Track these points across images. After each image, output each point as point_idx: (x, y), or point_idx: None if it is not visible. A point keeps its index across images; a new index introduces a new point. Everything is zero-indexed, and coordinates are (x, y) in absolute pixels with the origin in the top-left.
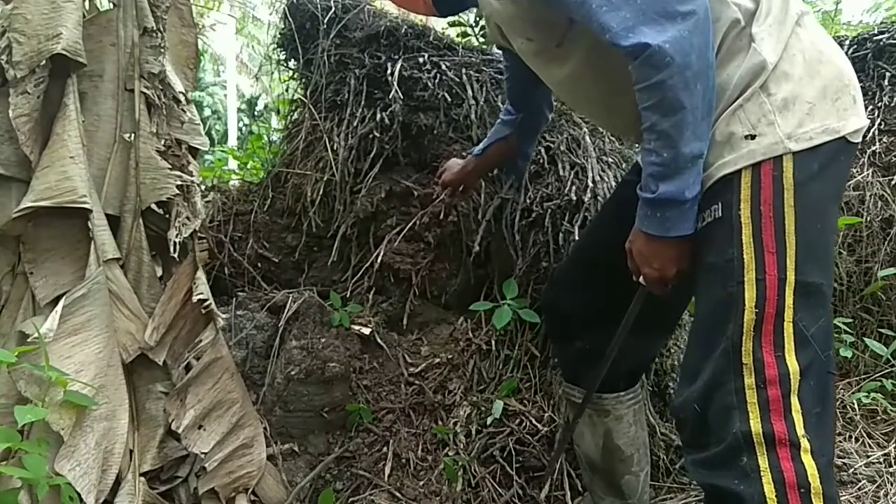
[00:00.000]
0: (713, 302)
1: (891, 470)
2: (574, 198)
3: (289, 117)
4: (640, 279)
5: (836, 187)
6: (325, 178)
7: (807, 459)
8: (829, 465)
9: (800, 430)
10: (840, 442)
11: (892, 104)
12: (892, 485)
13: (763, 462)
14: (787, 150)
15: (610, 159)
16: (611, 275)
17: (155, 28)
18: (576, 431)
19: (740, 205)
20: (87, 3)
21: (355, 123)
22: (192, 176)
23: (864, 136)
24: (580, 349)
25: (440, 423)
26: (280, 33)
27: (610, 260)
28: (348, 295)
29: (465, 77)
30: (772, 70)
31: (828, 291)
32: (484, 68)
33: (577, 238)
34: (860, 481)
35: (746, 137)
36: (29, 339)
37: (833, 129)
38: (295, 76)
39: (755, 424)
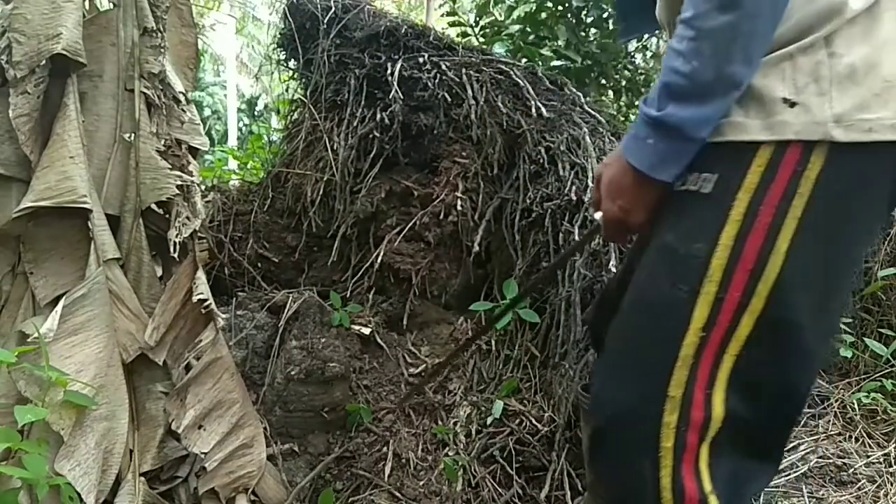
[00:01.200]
0: (655, 295)
1: (891, 470)
2: (574, 198)
3: (289, 117)
4: (598, 215)
5: (873, 212)
6: (325, 178)
7: None
8: None
9: (707, 487)
10: (840, 442)
11: None
12: (892, 485)
13: None
14: (827, 137)
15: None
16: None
17: (155, 28)
18: (585, 437)
19: (739, 192)
20: (87, 3)
21: (355, 123)
22: (192, 176)
23: None
24: None
25: (440, 423)
26: (280, 33)
27: (621, 280)
28: (348, 295)
29: (465, 77)
30: (849, 19)
31: (812, 338)
32: (484, 68)
33: (576, 238)
34: (860, 481)
35: (784, 102)
36: (29, 339)
37: None
38: (295, 76)
39: (665, 476)
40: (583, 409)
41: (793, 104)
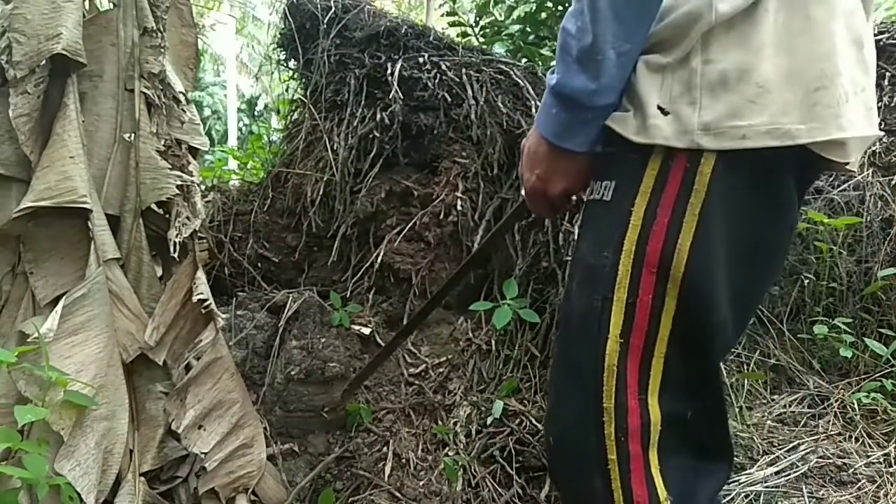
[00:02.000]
0: (577, 307)
1: (891, 470)
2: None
3: (289, 117)
4: (523, 191)
5: (777, 209)
6: (325, 178)
7: None
8: None
9: (661, 493)
10: (840, 442)
11: (892, 104)
12: (892, 485)
13: None
14: (693, 146)
15: None
16: None
17: (155, 28)
18: None
19: (636, 197)
20: (87, 3)
21: (355, 123)
22: (192, 176)
23: None
24: None
25: (440, 423)
26: (280, 33)
27: None
28: (348, 295)
29: (465, 77)
30: (722, 23)
31: (718, 336)
32: (484, 68)
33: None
34: (860, 481)
35: (658, 108)
36: (29, 339)
37: (786, 131)
38: (295, 76)
39: (616, 489)
40: None
41: (666, 112)
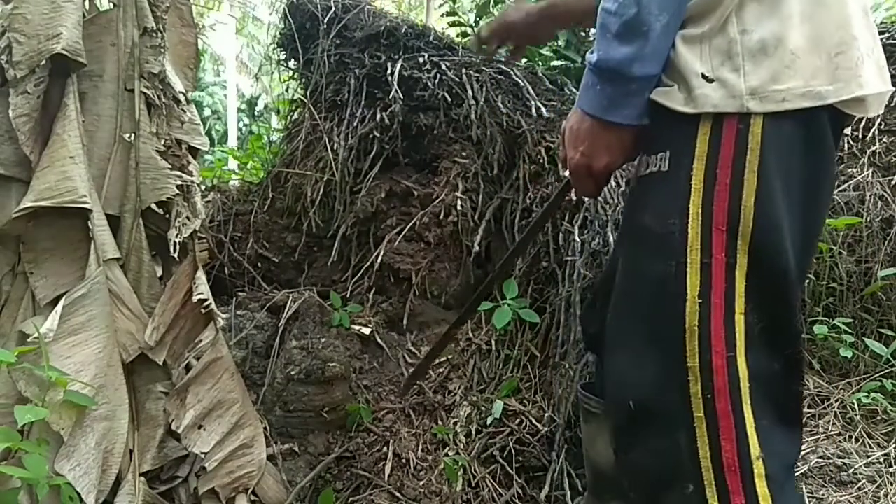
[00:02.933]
0: (648, 276)
1: (891, 470)
2: (574, 198)
3: (289, 117)
4: (567, 172)
5: (818, 164)
6: (325, 178)
7: (760, 489)
8: (783, 482)
9: (755, 451)
10: (840, 442)
11: (892, 104)
12: (892, 485)
13: (711, 495)
14: (743, 109)
15: None
16: None
17: (155, 28)
18: (587, 436)
19: (693, 162)
20: (87, 3)
21: (355, 123)
22: (192, 176)
23: (864, 136)
24: None
25: (440, 423)
26: (280, 33)
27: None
28: (348, 295)
29: (465, 77)
30: None
31: (793, 284)
32: (484, 68)
33: (576, 239)
34: (860, 481)
35: (703, 77)
36: (29, 339)
37: (817, 93)
38: (295, 76)
39: (702, 445)
40: (584, 408)
41: (710, 80)
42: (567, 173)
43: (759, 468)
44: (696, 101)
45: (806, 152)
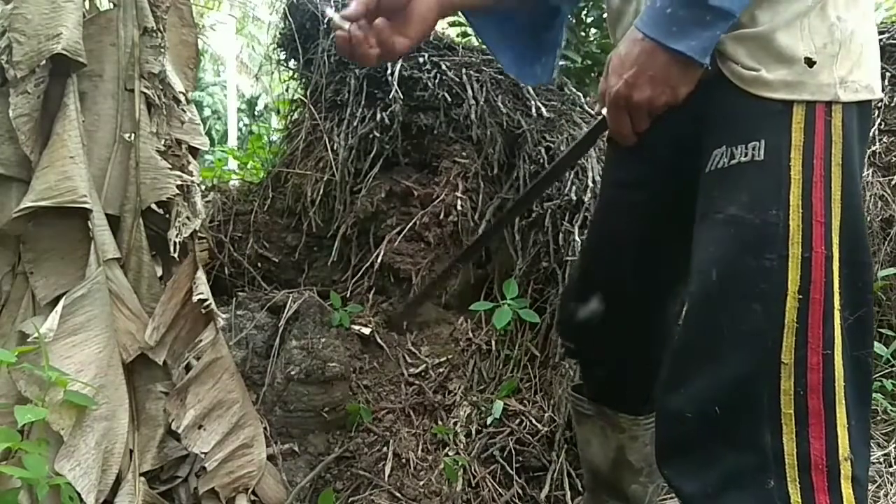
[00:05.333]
0: (736, 270)
1: (891, 470)
2: (574, 198)
3: (289, 117)
4: (604, 109)
5: (864, 155)
6: (325, 178)
7: (846, 491)
8: (865, 486)
9: (843, 452)
10: None
11: (893, 104)
12: (892, 485)
13: (794, 492)
14: (835, 98)
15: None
16: (609, 295)
17: (155, 28)
18: (582, 437)
19: (791, 151)
20: (87, 3)
21: (355, 123)
22: (192, 176)
23: None
24: (603, 373)
25: (440, 423)
26: (280, 33)
27: (599, 280)
28: (348, 295)
29: (465, 77)
30: None
31: (871, 270)
32: (484, 68)
33: (576, 239)
34: None
35: (805, 61)
36: (29, 339)
37: (872, 87)
38: (295, 76)
39: (788, 442)
40: (577, 410)
41: (812, 63)
42: (604, 109)
43: (846, 469)
44: (793, 86)
45: (863, 146)
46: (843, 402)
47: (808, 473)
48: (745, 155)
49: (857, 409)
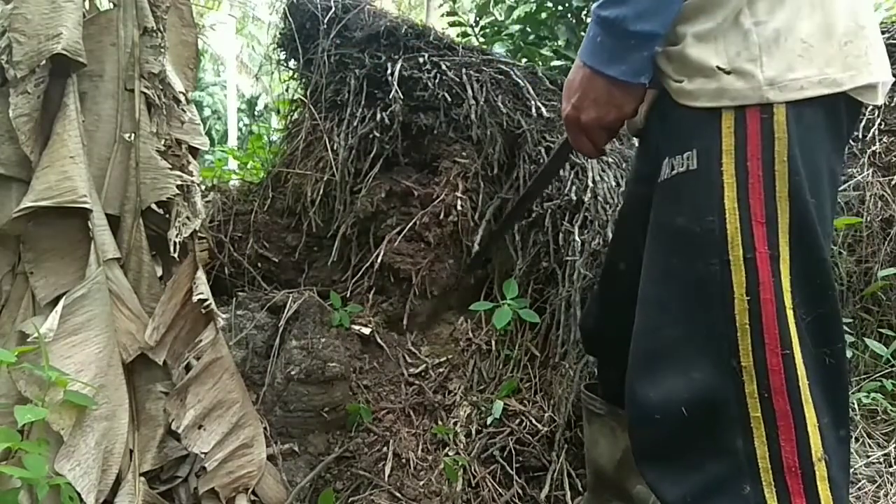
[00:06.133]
0: (689, 278)
1: (891, 470)
2: (574, 198)
3: (289, 117)
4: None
5: (835, 153)
6: (325, 178)
7: (823, 492)
8: (843, 487)
9: (816, 452)
10: None
11: (892, 104)
12: (892, 485)
13: (770, 496)
14: (763, 100)
15: (610, 159)
16: (624, 293)
17: (155, 28)
18: (590, 436)
19: (722, 157)
20: (87, 3)
21: (355, 123)
22: (192, 176)
23: (864, 136)
24: (619, 375)
25: (440, 423)
26: (280, 33)
27: (620, 278)
28: (348, 295)
29: (465, 77)
30: None
31: (831, 273)
32: (484, 68)
33: (576, 239)
34: (860, 481)
35: (719, 69)
36: (29, 339)
37: (833, 80)
38: (295, 76)
39: (760, 445)
40: (588, 409)
41: (726, 71)
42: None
43: (821, 470)
44: (713, 94)
45: (826, 139)
46: (811, 401)
47: (782, 476)
48: (682, 165)
49: (827, 408)
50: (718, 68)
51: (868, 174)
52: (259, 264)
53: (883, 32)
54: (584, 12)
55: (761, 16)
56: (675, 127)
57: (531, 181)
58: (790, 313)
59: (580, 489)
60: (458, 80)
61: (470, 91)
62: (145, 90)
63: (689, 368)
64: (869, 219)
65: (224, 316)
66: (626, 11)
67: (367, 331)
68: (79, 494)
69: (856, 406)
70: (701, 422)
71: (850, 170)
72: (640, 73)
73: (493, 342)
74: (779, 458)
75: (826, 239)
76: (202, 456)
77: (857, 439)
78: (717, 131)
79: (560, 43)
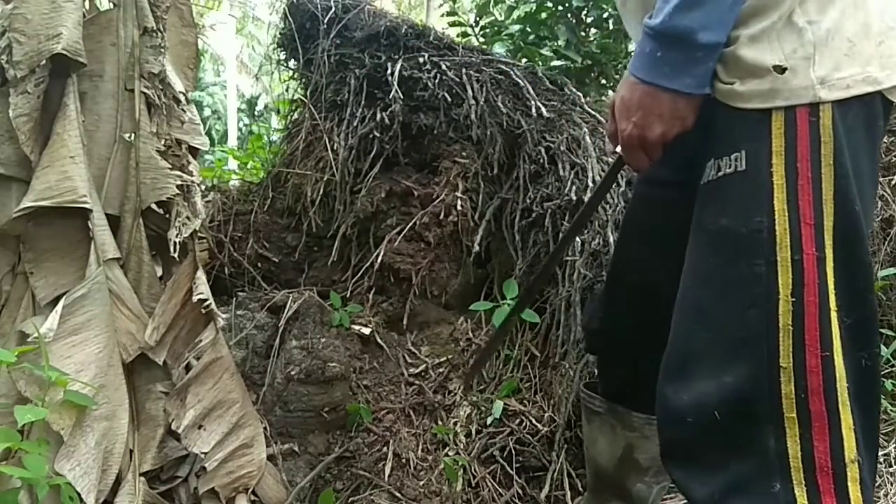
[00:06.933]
0: (727, 278)
1: (891, 470)
2: (574, 198)
3: (289, 117)
4: (618, 147)
5: (874, 151)
6: (325, 178)
7: (853, 493)
8: (871, 490)
9: (850, 454)
10: None
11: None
12: (892, 485)
13: (800, 494)
14: (815, 99)
15: (610, 159)
16: (633, 294)
17: (155, 28)
18: (589, 435)
19: (772, 158)
20: (87, 3)
21: (355, 123)
22: (192, 176)
23: None
24: (623, 374)
25: (440, 423)
26: (280, 33)
27: (630, 279)
28: (348, 295)
29: (465, 77)
30: None
31: (871, 270)
32: (484, 68)
33: (576, 239)
34: None
35: (775, 69)
36: (29, 339)
37: (874, 78)
38: (295, 76)
39: (793, 445)
40: (588, 407)
41: (783, 70)
42: (618, 148)
43: (853, 472)
44: (766, 96)
45: (866, 140)
46: (848, 403)
47: (813, 476)
48: (730, 166)
49: (863, 411)
50: (774, 67)
51: None
52: (259, 264)
53: None
54: (584, 12)
55: (813, 15)
56: (721, 129)
57: (577, 217)
58: (833, 315)
59: (580, 489)
60: (458, 80)
61: (470, 91)
62: (145, 90)
63: (722, 370)
64: None
65: (224, 316)
66: (692, 24)
67: (367, 331)
68: (79, 494)
69: None
70: (733, 423)
71: None
72: (705, 84)
73: None
74: (811, 457)
75: (868, 241)
76: (202, 456)
77: None
78: (768, 133)
79: (560, 43)
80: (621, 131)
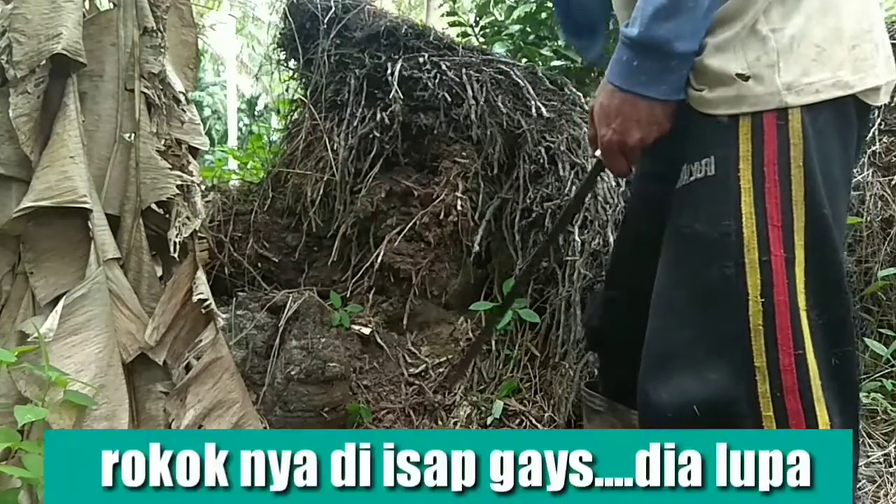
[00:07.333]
0: (701, 282)
1: (891, 470)
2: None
3: (289, 117)
4: (598, 152)
5: (847, 154)
6: (325, 178)
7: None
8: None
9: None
10: None
11: (892, 104)
12: (892, 485)
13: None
14: (783, 104)
15: None
16: (631, 292)
17: (155, 28)
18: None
19: (739, 163)
20: (87, 3)
21: (355, 123)
22: (192, 176)
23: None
24: (622, 373)
25: (440, 423)
26: (280, 33)
27: (628, 277)
28: (348, 295)
29: (465, 77)
30: None
31: (844, 275)
32: (484, 68)
33: (576, 239)
34: (860, 481)
35: (738, 76)
36: (29, 339)
37: (846, 82)
38: (295, 76)
39: None
40: (588, 406)
41: (747, 77)
42: (598, 153)
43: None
44: (732, 102)
45: (839, 143)
46: (823, 400)
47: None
48: (701, 171)
49: (838, 408)
50: (738, 74)
51: (868, 174)
52: (259, 264)
53: None
54: None
55: (777, 23)
56: (694, 134)
57: (555, 224)
58: (803, 315)
59: None
60: (458, 80)
61: (470, 91)
62: (145, 90)
63: (702, 369)
64: (869, 219)
65: (224, 316)
66: (667, 34)
67: (367, 331)
68: None
69: None
70: (713, 420)
71: None
72: (680, 90)
73: (493, 342)
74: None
75: (840, 242)
76: None
77: None
78: (735, 138)
79: (560, 43)
80: (601, 137)
